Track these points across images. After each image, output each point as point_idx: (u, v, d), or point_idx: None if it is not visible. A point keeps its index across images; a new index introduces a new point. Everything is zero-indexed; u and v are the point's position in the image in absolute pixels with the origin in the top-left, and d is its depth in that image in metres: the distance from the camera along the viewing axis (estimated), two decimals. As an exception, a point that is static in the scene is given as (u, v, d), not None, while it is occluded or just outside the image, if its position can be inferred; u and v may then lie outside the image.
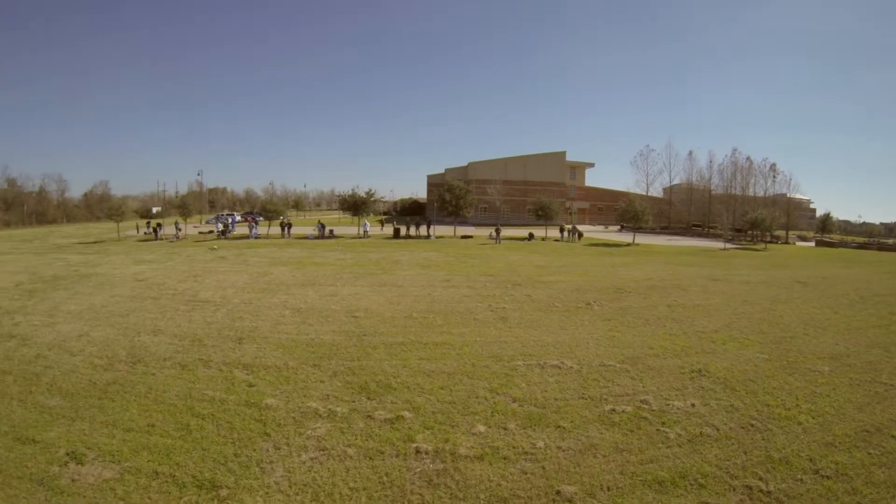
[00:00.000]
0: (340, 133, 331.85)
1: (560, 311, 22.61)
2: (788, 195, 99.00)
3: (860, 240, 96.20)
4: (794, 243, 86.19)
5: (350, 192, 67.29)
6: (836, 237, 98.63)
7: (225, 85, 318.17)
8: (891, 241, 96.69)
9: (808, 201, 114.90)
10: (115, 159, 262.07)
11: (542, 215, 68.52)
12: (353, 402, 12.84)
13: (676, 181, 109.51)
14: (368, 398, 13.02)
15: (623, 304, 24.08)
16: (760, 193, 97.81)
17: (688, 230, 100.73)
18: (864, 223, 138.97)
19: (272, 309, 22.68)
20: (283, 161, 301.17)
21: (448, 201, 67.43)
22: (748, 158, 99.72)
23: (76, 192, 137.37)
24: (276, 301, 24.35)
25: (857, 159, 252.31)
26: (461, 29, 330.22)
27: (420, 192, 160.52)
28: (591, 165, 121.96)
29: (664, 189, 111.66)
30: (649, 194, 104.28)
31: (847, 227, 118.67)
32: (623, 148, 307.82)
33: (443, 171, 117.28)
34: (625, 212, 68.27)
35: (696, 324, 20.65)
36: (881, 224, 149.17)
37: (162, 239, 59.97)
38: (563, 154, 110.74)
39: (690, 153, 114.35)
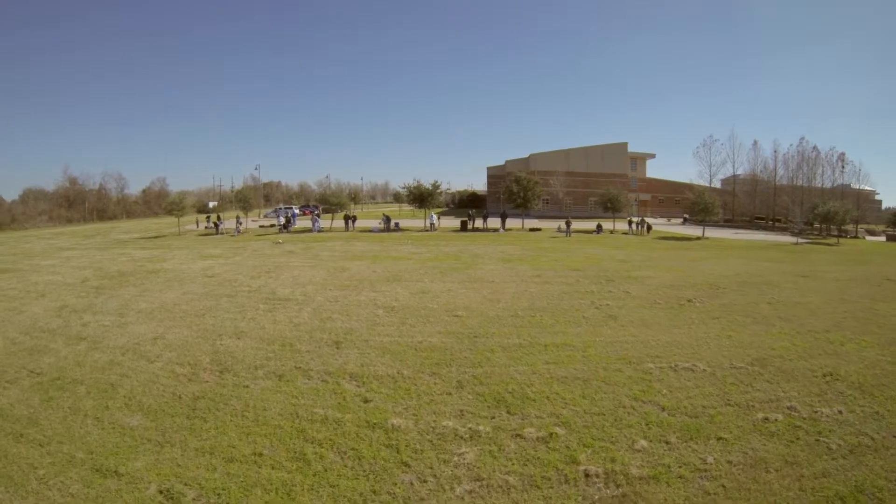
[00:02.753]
0: (393, 126, 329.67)
1: (663, 308, 21.11)
2: (856, 186, 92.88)
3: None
4: (864, 237, 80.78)
5: (415, 184, 65.26)
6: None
7: (276, 80, 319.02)
8: None
9: (873, 192, 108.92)
10: (172, 155, 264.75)
11: (610, 207, 65.79)
12: (494, 417, 11.14)
13: (740, 172, 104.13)
14: (509, 412, 11.36)
15: (723, 301, 22.60)
16: (827, 185, 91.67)
17: (751, 223, 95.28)
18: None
19: (362, 308, 20.79)
20: (335, 154, 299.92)
21: (516, 193, 64.97)
22: (814, 148, 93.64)
23: (134, 188, 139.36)
24: (365, 299, 22.44)
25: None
26: (515, 18, 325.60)
27: (477, 185, 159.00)
28: (652, 156, 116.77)
29: (723, 181, 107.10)
30: (712, 186, 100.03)
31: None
32: (685, 138, 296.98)
33: (503, 163, 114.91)
34: (694, 204, 64.28)
35: (805, 323, 19.03)
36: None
37: (223, 233, 58.90)
38: (625, 145, 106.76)
39: (755, 143, 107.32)
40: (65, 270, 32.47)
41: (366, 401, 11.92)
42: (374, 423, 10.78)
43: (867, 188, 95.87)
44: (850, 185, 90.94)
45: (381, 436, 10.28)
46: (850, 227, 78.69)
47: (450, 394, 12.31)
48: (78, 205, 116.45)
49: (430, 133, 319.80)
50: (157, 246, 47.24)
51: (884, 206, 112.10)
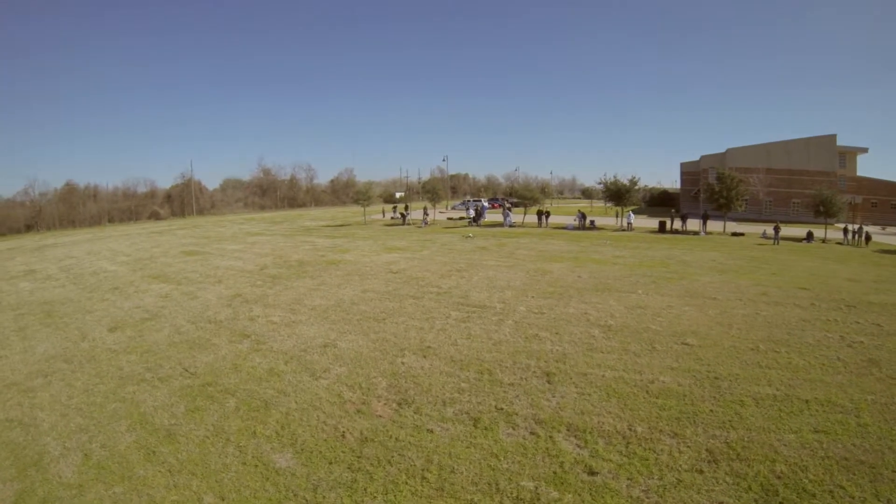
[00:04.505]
0: (579, 119, 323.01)
1: None
2: None
3: None
4: None
5: (612, 180, 61.11)
6: None
7: (464, 71, 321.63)
8: None
9: None
10: (359, 147, 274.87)
11: (823, 211, 57.48)
12: (767, 524, 7.86)
13: None
14: (787, 520, 7.90)
15: None
16: None
17: None
18: None
19: (573, 324, 17.43)
20: (521, 147, 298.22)
21: (718, 192, 59.02)
22: None
23: (323, 178, 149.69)
24: (574, 312, 19.06)
25: None
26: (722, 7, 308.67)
27: (664, 182, 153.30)
28: (865, 151, 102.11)
29: None
30: None
31: None
32: None
33: (697, 159, 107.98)
34: None
35: None
36: None
37: (410, 224, 58.11)
38: (833, 138, 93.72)
39: None
40: (247, 256, 32.60)
41: (591, 472, 8.71)
42: (606, 514, 7.49)
43: None
44: None
45: (616, 537, 7.05)
46: None
47: (701, 471, 8.97)
48: (270, 193, 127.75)
49: (618, 126, 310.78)
50: (341, 235, 46.97)
51: None
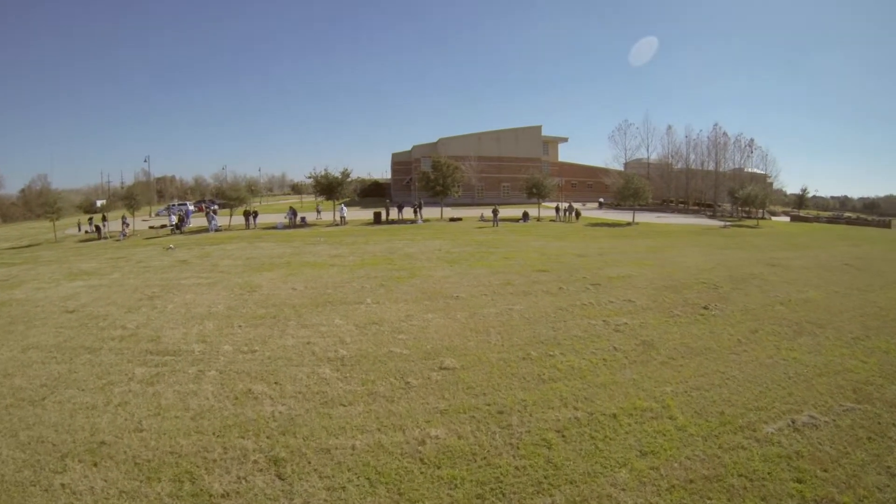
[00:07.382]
0: (283, 114, 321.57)
1: (687, 321, 17.65)
2: (761, 171, 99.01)
3: (827, 214, 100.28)
4: (768, 218, 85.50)
5: (323, 173, 61.10)
6: (811, 212, 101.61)
7: (164, 67, 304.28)
8: (854, 215, 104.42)
9: (765, 176, 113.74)
10: (55, 150, 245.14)
11: (536, 193, 63.42)
12: None
13: (654, 157, 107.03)
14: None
15: (736, 304, 20.03)
16: (734, 169, 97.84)
17: (664, 206, 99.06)
18: (813, 197, 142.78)
19: (296, 363, 13.72)
20: (229, 145, 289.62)
21: (434, 180, 61.06)
22: (724, 133, 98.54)
23: (12, 187, 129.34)
24: (294, 343, 15.32)
25: (803, 137, 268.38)
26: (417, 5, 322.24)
27: (374, 173, 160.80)
28: (565, 140, 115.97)
29: (626, 164, 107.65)
30: (622, 170, 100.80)
31: (800, 202, 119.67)
32: (591, 123, 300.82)
33: (409, 149, 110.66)
34: (624, 188, 64.30)
35: (841, 329, 17.02)
36: (832, 198, 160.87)
37: (107, 238, 50.29)
38: (539, 128, 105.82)
39: (669, 128, 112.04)
40: None
41: None
42: None
43: (759, 171, 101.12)
44: (744, 168, 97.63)
45: None
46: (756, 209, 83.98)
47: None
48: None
49: (326, 121, 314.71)
50: (22, 260, 37.29)
51: (781, 189, 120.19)
